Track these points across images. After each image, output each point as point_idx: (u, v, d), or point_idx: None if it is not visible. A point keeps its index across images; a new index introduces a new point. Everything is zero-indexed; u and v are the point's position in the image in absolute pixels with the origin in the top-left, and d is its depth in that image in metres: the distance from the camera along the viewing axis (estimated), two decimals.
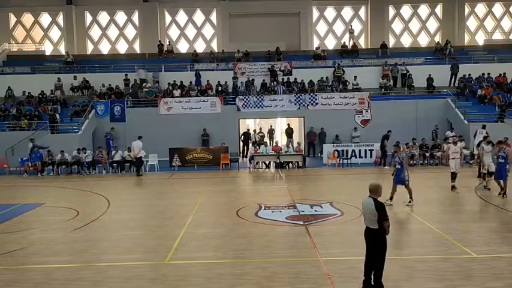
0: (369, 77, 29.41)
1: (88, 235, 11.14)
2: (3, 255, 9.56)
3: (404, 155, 14.07)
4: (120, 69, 30.35)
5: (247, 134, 26.80)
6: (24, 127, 24.93)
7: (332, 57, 31.89)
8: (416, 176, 18.62)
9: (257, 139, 26.10)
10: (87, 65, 31.57)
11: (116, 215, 13.30)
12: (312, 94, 27.22)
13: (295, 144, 24.07)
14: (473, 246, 9.39)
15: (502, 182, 14.28)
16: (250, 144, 25.90)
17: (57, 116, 25.96)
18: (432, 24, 36.38)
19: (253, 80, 28.77)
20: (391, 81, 29.44)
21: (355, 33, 35.50)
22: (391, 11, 36.12)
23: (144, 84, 28.90)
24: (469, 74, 28.95)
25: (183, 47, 36.05)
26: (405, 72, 29.45)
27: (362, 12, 36.19)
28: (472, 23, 36.38)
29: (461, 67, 29.21)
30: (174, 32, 36.18)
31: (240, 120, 27.41)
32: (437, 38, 35.68)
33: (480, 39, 36.18)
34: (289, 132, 26.75)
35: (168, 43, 34.34)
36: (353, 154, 23.50)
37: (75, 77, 29.57)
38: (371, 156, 23.49)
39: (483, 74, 28.94)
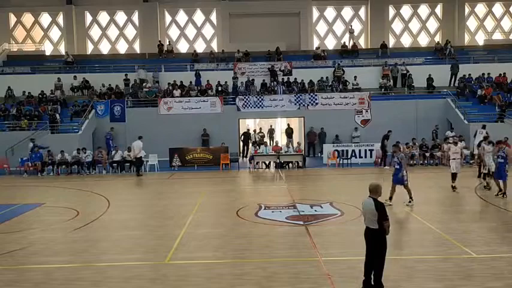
0: (369, 77, 29.40)
1: (88, 235, 11.14)
2: (3, 255, 9.56)
3: (403, 155, 14.09)
4: (120, 69, 30.35)
5: (247, 134, 26.80)
6: (24, 127, 24.93)
7: (332, 57, 31.89)
8: (416, 176, 18.64)
9: (257, 139, 26.10)
10: (87, 65, 31.57)
11: (116, 215, 13.30)
12: (312, 94, 27.22)
13: (295, 144, 24.07)
14: (473, 246, 9.39)
15: (501, 182, 14.27)
16: (250, 144, 25.90)
17: (57, 116, 25.96)
18: (432, 24, 36.39)
19: (253, 80, 28.77)
20: (391, 81, 29.44)
21: (355, 33, 35.50)
22: (391, 11, 36.13)
23: (144, 84, 28.90)
24: (469, 74, 28.95)
25: (183, 47, 36.06)
26: (405, 72, 29.45)
27: (362, 12, 36.19)
28: (472, 23, 36.38)
29: (461, 67, 29.21)
30: (174, 32, 36.19)
31: (240, 120, 27.41)
32: (437, 38, 35.68)
33: (480, 39, 36.19)
34: (289, 132, 26.74)
35: (168, 43, 34.34)
36: (353, 154, 23.49)
37: (75, 77, 29.57)
38: (371, 156, 23.49)
39: (483, 74, 28.94)
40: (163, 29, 35.69)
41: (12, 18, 35.77)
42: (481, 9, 36.40)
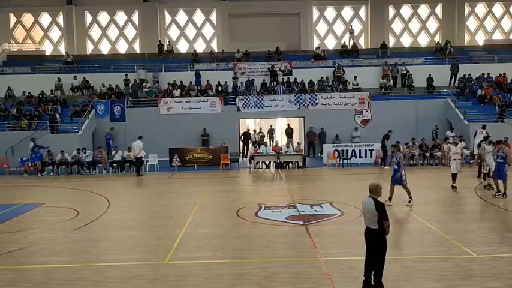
0: (369, 77, 29.40)
1: (88, 235, 11.14)
2: (3, 255, 9.56)
3: (402, 155, 14.09)
4: (120, 69, 30.36)
5: (247, 134, 26.80)
6: (24, 127, 24.93)
7: (332, 57, 31.89)
8: (416, 176, 18.66)
9: (257, 139, 26.10)
10: (87, 65, 31.57)
11: (116, 215, 13.30)
12: (312, 94, 27.22)
13: (295, 144, 24.07)
14: (473, 246, 9.39)
15: (500, 182, 14.26)
16: (250, 144, 25.91)
17: (57, 116, 25.96)
18: (432, 24, 36.39)
19: (253, 80, 28.77)
20: (391, 81, 29.44)
21: (355, 33, 35.51)
22: (391, 11, 36.13)
23: (144, 84, 28.90)
24: (469, 74, 28.95)
25: (183, 47, 36.06)
26: (405, 72, 29.45)
27: (362, 12, 36.20)
28: (472, 23, 36.39)
29: (461, 67, 29.21)
30: (174, 32, 36.19)
31: (240, 120, 27.41)
32: (437, 38, 35.69)
33: (480, 39, 36.19)
34: (289, 132, 26.74)
35: (168, 43, 34.34)
36: (353, 154, 23.49)
37: (75, 77, 29.58)
38: (371, 156, 23.49)
39: (483, 74, 28.94)
40: (163, 29, 35.69)
41: (12, 18, 35.77)
42: (481, 9, 36.41)
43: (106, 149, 24.36)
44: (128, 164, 22.38)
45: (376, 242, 7.02)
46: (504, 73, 28.74)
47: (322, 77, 29.06)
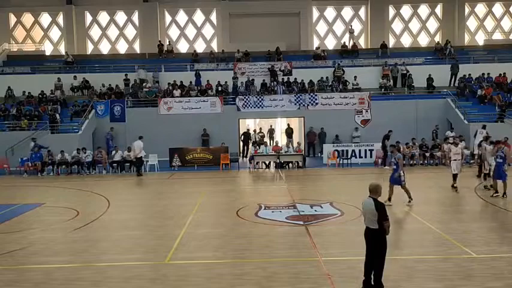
0: (369, 77, 29.40)
1: (88, 235, 11.14)
2: (3, 255, 9.56)
3: (400, 155, 14.10)
4: (120, 69, 30.35)
5: (247, 134, 26.80)
6: (24, 127, 24.92)
7: (332, 57, 31.89)
8: (416, 176, 18.68)
9: (257, 139, 26.10)
10: (87, 65, 31.57)
11: (116, 215, 13.30)
12: (312, 94, 27.22)
13: (295, 144, 24.07)
14: (473, 246, 9.39)
15: (499, 182, 14.25)
16: (250, 144, 25.91)
17: (57, 116, 25.96)
18: (432, 24, 36.39)
19: (253, 80, 28.77)
20: (391, 81, 29.44)
21: (355, 33, 35.50)
22: (391, 11, 36.13)
23: (144, 84, 28.90)
24: (469, 74, 28.94)
25: (183, 47, 36.06)
26: (405, 72, 29.45)
27: (362, 12, 36.20)
28: (472, 23, 36.39)
29: (461, 67, 29.21)
30: (174, 32, 36.19)
31: (240, 120, 27.41)
32: (437, 38, 35.69)
33: (480, 39, 36.19)
34: (289, 132, 26.74)
35: (168, 43, 34.34)
36: (353, 154, 23.49)
37: (75, 77, 29.57)
38: (371, 156, 23.49)
39: (483, 74, 28.93)
40: (163, 29, 35.69)
41: (12, 18, 35.77)
42: (481, 9, 36.41)
43: (106, 149, 24.35)
44: (128, 164, 22.38)
45: (376, 242, 7.02)
46: (504, 73, 28.74)
47: (322, 77, 29.06)
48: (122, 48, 36.35)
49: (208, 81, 28.77)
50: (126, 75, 29.34)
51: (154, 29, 34.95)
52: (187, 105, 27.01)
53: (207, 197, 15.58)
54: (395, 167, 13.58)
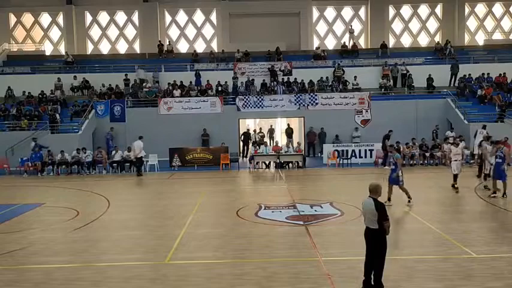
0: (369, 77, 29.40)
1: (88, 235, 11.14)
2: (3, 255, 9.56)
3: (399, 155, 14.09)
4: (120, 69, 30.35)
5: (247, 134, 26.80)
6: (24, 127, 24.92)
7: (332, 57, 31.89)
8: (416, 176, 18.69)
9: (257, 139, 26.10)
10: (87, 65, 31.57)
11: (116, 215, 13.30)
12: (312, 94, 27.21)
13: (295, 144, 24.07)
14: (473, 246, 9.39)
15: (498, 182, 14.24)
16: (250, 144, 25.90)
17: (57, 116, 25.96)
18: (432, 24, 36.39)
19: (253, 80, 28.77)
20: (391, 81, 29.44)
21: (355, 33, 35.50)
22: (391, 11, 36.13)
23: (144, 84, 28.90)
24: (469, 74, 28.94)
25: (183, 47, 36.06)
26: (405, 72, 29.44)
27: (362, 12, 36.19)
28: (472, 23, 36.38)
29: (461, 67, 29.21)
30: (174, 32, 36.19)
31: (240, 120, 27.41)
32: (437, 38, 35.68)
33: (480, 39, 36.19)
34: (289, 132, 26.73)
35: (168, 43, 34.34)
36: (353, 154, 23.49)
37: (75, 77, 29.57)
38: (371, 156, 23.48)
39: (483, 74, 28.93)
40: (163, 29, 35.69)
41: (12, 18, 35.76)
42: (481, 9, 36.40)
43: (106, 149, 24.35)
44: (128, 164, 22.38)
45: (376, 242, 7.02)
46: (504, 73, 28.73)
47: (322, 77, 29.06)
48: (122, 48, 36.35)
49: (208, 81, 28.76)
50: (126, 75, 29.33)
51: (154, 29, 34.95)
52: (187, 105, 27.01)
53: (207, 197, 15.58)
54: (393, 167, 13.59)
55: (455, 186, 15.42)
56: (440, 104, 27.07)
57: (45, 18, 36.03)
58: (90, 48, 36.16)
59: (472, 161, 21.11)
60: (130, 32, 36.16)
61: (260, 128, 27.74)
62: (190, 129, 25.92)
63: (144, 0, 35.07)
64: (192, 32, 36.15)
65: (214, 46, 35.24)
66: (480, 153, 16.87)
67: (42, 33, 36.01)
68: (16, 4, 35.03)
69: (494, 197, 14.11)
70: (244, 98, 27.01)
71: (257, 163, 22.79)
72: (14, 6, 35.12)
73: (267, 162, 22.92)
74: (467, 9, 36.00)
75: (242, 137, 26.78)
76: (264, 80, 28.84)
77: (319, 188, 17.58)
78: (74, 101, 27.61)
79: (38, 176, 21.84)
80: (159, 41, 33.88)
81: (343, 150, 23.45)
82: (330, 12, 36.24)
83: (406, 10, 36.33)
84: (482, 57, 31.96)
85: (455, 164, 15.50)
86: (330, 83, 28.67)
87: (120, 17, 36.10)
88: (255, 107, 26.85)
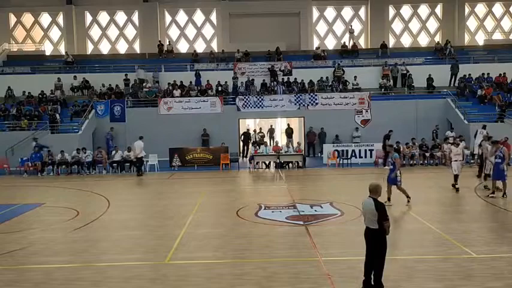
0: (369, 77, 29.40)
1: (88, 235, 11.14)
2: (3, 255, 9.56)
3: (397, 155, 14.09)
4: (120, 69, 30.36)
5: (247, 134, 26.80)
6: (24, 127, 24.93)
7: (332, 57, 31.89)
8: (416, 176, 18.70)
9: (257, 139, 26.10)
10: (87, 65, 31.58)
11: (116, 215, 13.30)
12: (312, 94, 27.22)
13: (295, 144, 24.07)
14: (473, 246, 9.39)
15: (498, 182, 14.24)
16: (250, 144, 25.90)
17: (57, 116, 25.96)
18: (432, 24, 36.39)
19: (253, 80, 28.77)
20: (391, 81, 29.44)
21: (355, 33, 35.50)
22: (391, 11, 36.13)
23: (144, 84, 28.90)
24: (469, 74, 28.94)
25: (183, 47, 36.06)
26: (405, 72, 29.45)
27: (362, 12, 36.19)
28: (472, 23, 36.39)
29: (461, 67, 29.21)
30: (174, 32, 36.19)
31: (240, 120, 27.41)
32: (437, 38, 35.69)
33: (480, 39, 36.19)
34: (289, 132, 26.73)
35: (168, 43, 34.35)
36: (353, 154, 23.49)
37: (75, 77, 29.58)
38: (371, 156, 23.48)
39: (483, 74, 28.94)
40: (163, 29, 35.69)
41: (12, 18, 35.77)
42: (481, 9, 36.41)
43: (106, 149, 24.35)
44: (128, 164, 22.38)
45: (376, 242, 7.02)
46: (504, 73, 28.74)
47: (322, 77, 29.06)
48: (122, 48, 36.35)
49: (208, 81, 28.77)
50: (126, 75, 29.34)
51: (154, 29, 34.95)
52: (187, 105, 27.01)
53: (207, 197, 15.58)
54: (392, 166, 13.59)
55: (456, 186, 15.42)
56: (440, 104, 27.07)
57: (45, 18, 36.04)
58: (90, 48, 36.16)
59: (472, 161, 21.10)
60: (130, 32, 36.16)
61: (260, 128, 27.74)
62: (190, 129, 25.92)
63: (144, 0, 35.08)
64: (192, 32, 36.15)
65: (214, 46, 35.24)
66: (480, 153, 16.86)
67: (42, 33, 36.02)
68: (16, 4, 35.04)
69: (493, 197, 14.10)
70: (244, 98, 27.01)
71: (257, 163, 22.79)
72: (14, 6, 35.12)
73: (267, 162, 22.92)
74: (467, 9, 36.00)
75: (242, 137, 26.78)
76: (264, 80, 28.84)
77: (319, 188, 17.58)
78: (74, 101, 27.62)
79: (38, 176, 21.84)
80: (159, 41, 33.89)
81: (343, 150, 23.45)
82: (330, 12, 36.25)
83: (406, 10, 36.33)
84: (482, 57, 31.96)
85: (455, 164, 15.49)
86: (330, 83, 28.68)
87: (120, 17, 36.11)
88: (255, 107, 26.85)
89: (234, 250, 9.64)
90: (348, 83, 28.78)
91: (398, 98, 27.97)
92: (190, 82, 28.92)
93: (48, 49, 35.58)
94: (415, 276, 7.91)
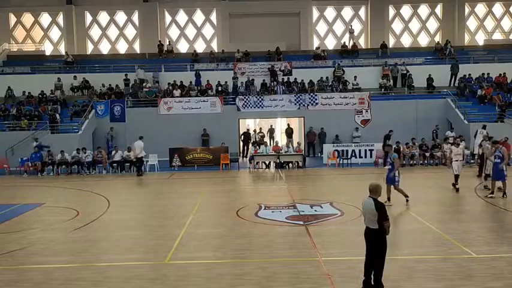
0: (369, 77, 29.41)
1: (88, 235, 11.14)
2: (3, 255, 9.56)
3: (396, 155, 14.09)
4: (120, 69, 30.36)
5: (247, 134, 26.80)
6: (24, 127, 24.93)
7: (332, 57, 31.89)
8: (416, 176, 18.71)
9: (257, 139, 26.10)
10: (87, 65, 31.58)
11: (116, 215, 13.30)
12: (312, 94, 27.22)
13: (295, 144, 24.07)
14: (473, 246, 9.39)
15: (498, 182, 14.23)
16: (250, 144, 25.90)
17: (57, 116, 25.97)
18: (432, 24, 36.39)
19: (253, 80, 28.77)
20: (391, 81, 29.44)
21: (355, 33, 35.51)
22: (391, 11, 36.13)
23: (144, 84, 28.90)
24: (469, 74, 28.95)
25: (183, 47, 36.06)
26: (405, 72, 29.45)
27: (362, 12, 36.20)
28: (472, 23, 36.39)
29: (461, 67, 29.21)
30: (174, 32, 36.20)
31: (240, 120, 27.41)
32: (437, 38, 35.69)
33: (480, 39, 36.19)
34: (289, 132, 26.73)
35: (168, 43, 34.35)
36: (353, 154, 23.49)
37: (75, 77, 29.58)
38: (371, 156, 23.48)
39: (483, 74, 28.94)
40: (163, 29, 35.69)
41: (12, 18, 35.77)
42: (481, 9, 36.41)
43: (106, 149, 24.35)
44: (128, 164, 22.38)
45: (376, 242, 7.02)
46: (504, 73, 28.74)
47: (322, 77, 29.06)
48: (122, 48, 36.35)
49: (208, 81, 28.77)
50: (126, 75, 29.34)
51: (154, 29, 34.95)
52: (187, 105, 27.02)
53: (207, 197, 15.58)
54: (390, 166, 13.59)
55: (456, 186, 15.42)
56: (440, 104, 27.08)
57: (45, 18, 36.04)
58: (90, 48, 36.17)
59: (472, 161, 21.09)
60: (130, 32, 36.16)
61: (260, 128, 27.74)
62: (190, 129, 25.93)
63: (144, 0, 35.08)
64: (192, 32, 36.15)
65: (214, 46, 35.24)
66: (480, 153, 16.85)
67: (42, 33, 36.02)
68: (16, 4, 35.04)
69: (492, 197, 14.09)
70: (244, 98, 27.02)
71: (257, 163, 22.79)
72: (14, 6, 35.12)
73: (267, 162, 22.91)
74: (467, 9, 36.00)
75: (242, 137, 26.78)
76: (264, 80, 28.84)
77: (319, 188, 17.58)
78: (74, 101, 27.62)
79: (38, 176, 21.84)
80: (159, 41, 33.89)
81: (343, 150, 23.45)
82: (330, 12, 36.25)
83: (406, 10, 36.33)
84: (482, 57, 31.97)
85: (456, 164, 15.49)
86: (330, 83, 28.68)
87: (120, 17, 36.11)
88: (255, 107, 26.85)
89: (234, 250, 9.64)
90: (348, 83, 28.78)
91: (398, 98, 27.97)
92: (190, 82, 28.92)
93: (48, 49, 35.58)
94: (415, 276, 7.91)
